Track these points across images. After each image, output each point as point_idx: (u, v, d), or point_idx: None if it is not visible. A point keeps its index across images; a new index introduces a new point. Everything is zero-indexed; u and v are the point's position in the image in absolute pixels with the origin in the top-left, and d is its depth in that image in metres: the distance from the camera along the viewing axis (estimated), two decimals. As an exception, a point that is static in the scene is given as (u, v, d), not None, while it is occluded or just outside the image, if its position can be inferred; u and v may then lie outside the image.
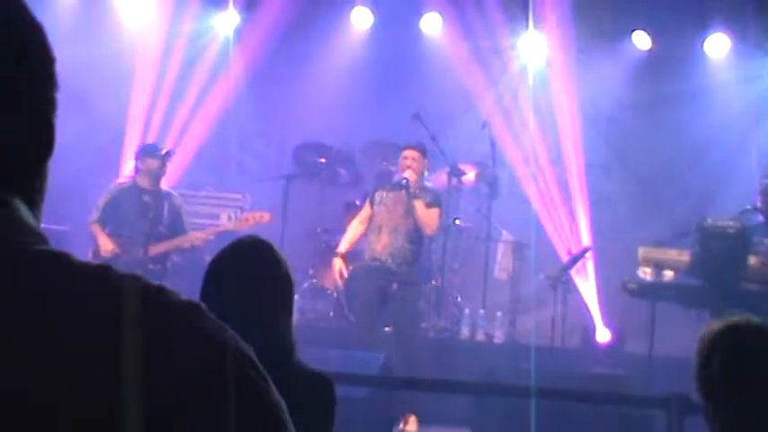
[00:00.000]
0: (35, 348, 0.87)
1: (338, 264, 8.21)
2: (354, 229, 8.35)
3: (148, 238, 8.14)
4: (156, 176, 8.34)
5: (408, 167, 8.10)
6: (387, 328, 8.46)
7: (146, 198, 8.28)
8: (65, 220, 8.11)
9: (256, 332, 2.64)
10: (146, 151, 8.44)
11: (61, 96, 1.03)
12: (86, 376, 0.87)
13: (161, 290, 0.95)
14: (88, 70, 8.96)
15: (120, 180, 8.67)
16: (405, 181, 8.05)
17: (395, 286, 7.99)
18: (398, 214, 8.08)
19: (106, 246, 8.11)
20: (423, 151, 8.26)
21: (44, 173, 1.02)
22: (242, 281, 2.90)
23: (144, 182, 8.33)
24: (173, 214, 8.41)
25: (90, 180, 9.09)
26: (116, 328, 0.89)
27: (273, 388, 0.96)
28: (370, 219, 8.20)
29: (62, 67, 1.03)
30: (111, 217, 8.25)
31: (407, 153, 8.18)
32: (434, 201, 8.18)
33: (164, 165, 8.34)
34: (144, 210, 8.20)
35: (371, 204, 8.23)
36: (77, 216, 8.28)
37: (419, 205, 8.01)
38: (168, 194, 8.50)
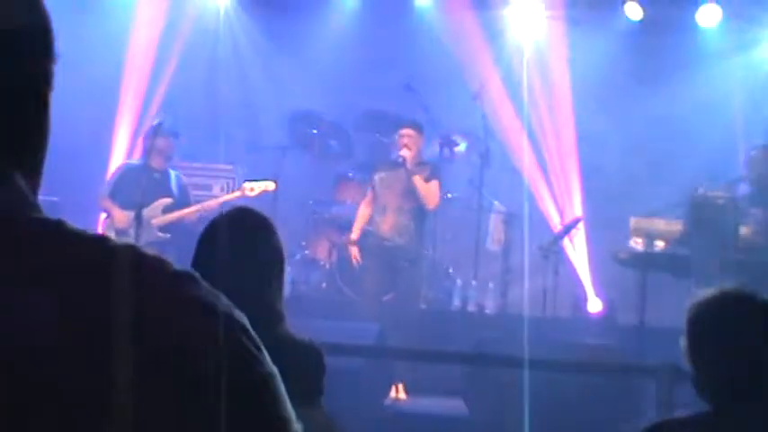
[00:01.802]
0: (31, 319, 0.88)
1: (354, 251, 8.48)
2: (363, 214, 8.58)
3: (156, 210, 8.46)
4: (167, 156, 8.64)
5: (405, 145, 8.32)
6: (385, 298, 8.53)
7: (156, 176, 8.51)
8: (55, 192, 8.08)
9: (245, 298, 2.65)
10: (157, 132, 8.52)
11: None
12: (77, 346, 0.88)
13: (156, 259, 0.96)
14: (80, 40, 8.93)
15: (132, 160, 8.88)
16: (401, 159, 8.27)
17: (403, 263, 8.25)
18: (400, 193, 8.33)
19: (120, 218, 8.37)
20: (419, 129, 8.50)
21: (45, 147, 1.02)
22: (235, 247, 2.91)
23: (155, 162, 8.54)
24: (181, 191, 8.71)
25: (81, 152, 9.07)
26: (108, 297, 0.90)
27: (267, 357, 0.97)
28: (374, 200, 8.43)
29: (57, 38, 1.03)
30: (122, 193, 8.44)
31: (404, 131, 8.40)
32: (432, 174, 8.39)
33: (172, 144, 8.64)
34: (153, 187, 8.37)
35: (373, 188, 8.46)
36: (68, 187, 8.26)
37: (418, 181, 8.25)
38: (177, 174, 8.80)
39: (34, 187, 1.00)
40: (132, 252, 0.95)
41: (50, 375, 0.86)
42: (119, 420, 0.87)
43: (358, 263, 8.43)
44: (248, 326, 0.97)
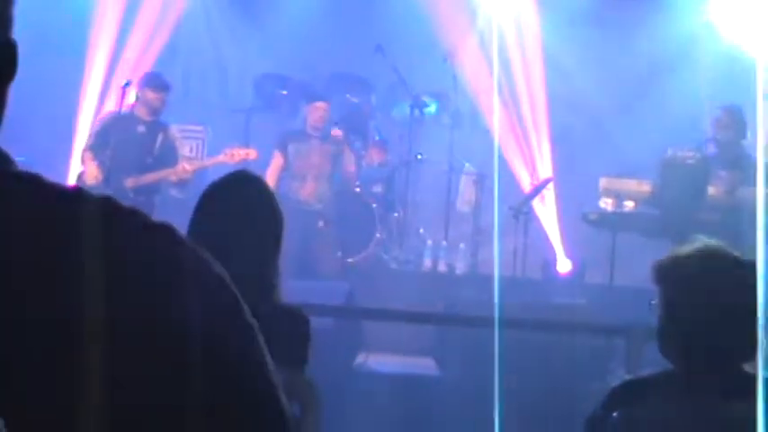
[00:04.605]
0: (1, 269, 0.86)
1: None
2: (269, 181, 8.54)
3: (133, 168, 8.02)
4: (155, 110, 8.17)
5: (320, 118, 8.80)
6: (350, 260, 8.60)
7: (140, 128, 8.10)
8: (22, 152, 7.99)
9: (241, 265, 2.64)
10: (147, 82, 8.24)
11: (18, 30, 0.98)
12: (45, 294, 0.86)
13: (131, 211, 0.94)
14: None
15: (118, 108, 8.49)
16: (326, 131, 8.82)
17: (321, 224, 8.68)
18: (318, 162, 8.77)
19: (91, 173, 7.95)
20: (328, 102, 9.03)
21: (6, 93, 0.98)
22: (234, 214, 2.88)
23: (141, 112, 8.15)
24: (165, 147, 8.19)
25: (47, 112, 9.00)
26: (79, 250, 0.88)
27: (246, 309, 0.95)
28: (283, 168, 8.80)
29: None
30: (102, 145, 8.06)
31: (319, 104, 8.87)
32: (343, 143, 8.96)
33: (162, 99, 8.17)
34: (135, 140, 8.03)
35: (285, 156, 8.79)
36: (37, 146, 8.17)
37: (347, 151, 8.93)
38: (165, 126, 8.30)
39: None
40: (106, 205, 0.93)
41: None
42: (89, 379, 0.85)
43: None
44: (227, 279, 0.95)
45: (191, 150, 9.65)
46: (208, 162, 8.54)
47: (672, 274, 2.59)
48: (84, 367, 0.85)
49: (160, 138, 8.18)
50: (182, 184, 8.18)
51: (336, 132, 8.96)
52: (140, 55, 10.28)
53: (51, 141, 9.03)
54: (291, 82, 10.01)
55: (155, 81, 8.25)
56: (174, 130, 8.46)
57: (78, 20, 9.99)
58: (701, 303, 2.53)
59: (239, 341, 0.94)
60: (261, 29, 10.70)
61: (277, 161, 8.79)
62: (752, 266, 2.58)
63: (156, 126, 8.20)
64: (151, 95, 8.12)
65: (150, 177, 8.10)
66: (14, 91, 0.99)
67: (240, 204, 2.92)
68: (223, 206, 2.88)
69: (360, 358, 7.39)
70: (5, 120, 0.99)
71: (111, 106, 9.21)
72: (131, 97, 8.24)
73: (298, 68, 10.22)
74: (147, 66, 9.93)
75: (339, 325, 6.89)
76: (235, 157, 8.25)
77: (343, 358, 6.98)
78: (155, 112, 8.18)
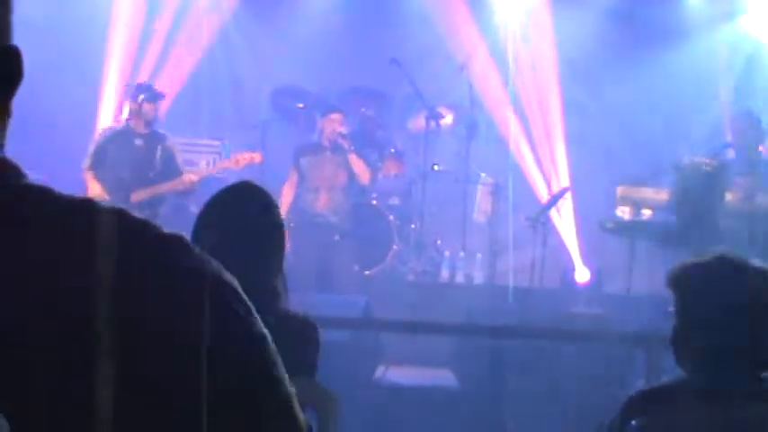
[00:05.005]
0: (15, 278, 0.87)
1: None
2: (286, 197, 8.80)
3: (135, 183, 8.04)
4: (148, 120, 8.16)
5: (335, 129, 8.77)
6: (367, 272, 8.62)
7: (137, 142, 8.10)
8: (41, 169, 8.00)
9: (244, 275, 2.66)
10: (141, 94, 8.22)
11: (34, 41, 0.98)
12: (59, 302, 0.87)
13: (143, 223, 0.95)
14: (64, 12, 8.89)
15: (112, 124, 8.51)
16: (335, 141, 8.75)
17: (337, 237, 8.65)
18: (330, 173, 8.80)
19: (94, 192, 7.93)
20: (344, 112, 9.05)
21: (10, 101, 0.97)
22: (236, 224, 2.91)
23: (137, 125, 8.15)
24: (165, 158, 8.19)
25: (66, 128, 9.04)
26: (91, 261, 0.89)
27: (258, 320, 0.96)
28: (299, 182, 8.83)
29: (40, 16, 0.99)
30: (101, 162, 8.09)
31: (334, 116, 8.88)
32: (351, 152, 8.87)
33: (156, 109, 8.20)
34: (134, 155, 8.04)
35: (298, 170, 8.85)
36: (53, 163, 8.21)
37: (355, 161, 8.78)
38: (163, 138, 8.27)
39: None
40: (117, 216, 0.94)
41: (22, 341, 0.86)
42: (95, 381, 0.86)
43: None
44: (238, 288, 0.96)
45: (207, 164, 9.66)
46: (213, 169, 8.58)
47: (686, 282, 2.59)
48: (92, 370, 0.86)
49: (159, 151, 8.18)
50: (187, 194, 8.21)
51: (341, 129, 8.84)
52: (156, 69, 10.32)
53: (68, 158, 9.05)
54: (308, 95, 10.02)
55: (147, 92, 8.25)
56: (172, 140, 8.44)
57: (96, 36, 10.03)
58: (716, 311, 2.52)
59: (252, 350, 0.95)
60: (277, 42, 10.72)
61: (291, 178, 8.86)
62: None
63: (154, 139, 8.20)
64: (145, 106, 8.12)
65: (153, 191, 8.13)
66: (33, 108, 1.00)
67: (240, 216, 2.95)
68: (223, 218, 2.92)
69: (379, 371, 7.39)
70: (25, 136, 1.00)
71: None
72: (125, 111, 8.30)
73: (313, 82, 10.23)
74: (165, 82, 9.97)
75: (357, 338, 6.90)
76: (240, 162, 8.28)
77: (361, 371, 6.99)
78: (149, 123, 8.19)
